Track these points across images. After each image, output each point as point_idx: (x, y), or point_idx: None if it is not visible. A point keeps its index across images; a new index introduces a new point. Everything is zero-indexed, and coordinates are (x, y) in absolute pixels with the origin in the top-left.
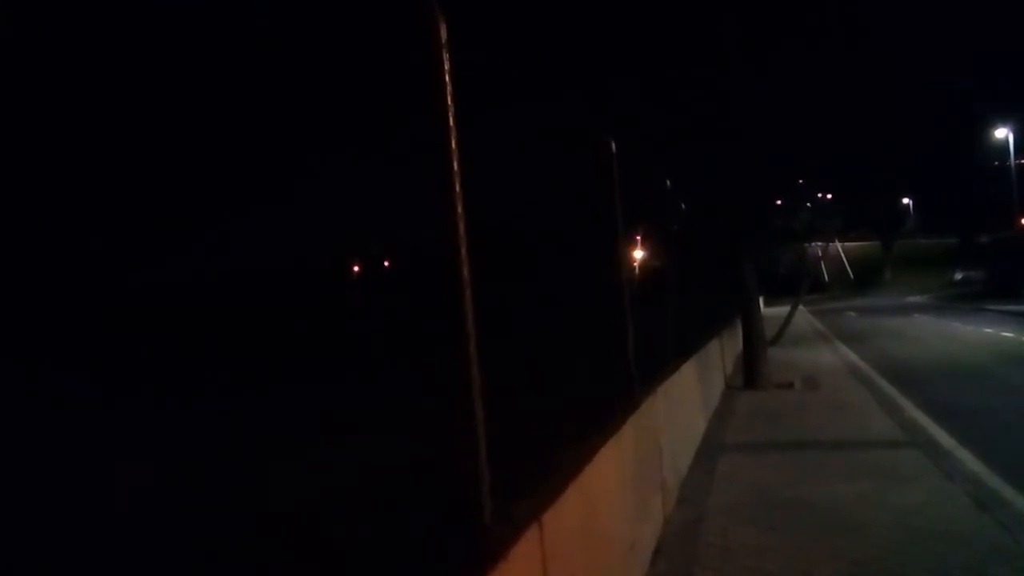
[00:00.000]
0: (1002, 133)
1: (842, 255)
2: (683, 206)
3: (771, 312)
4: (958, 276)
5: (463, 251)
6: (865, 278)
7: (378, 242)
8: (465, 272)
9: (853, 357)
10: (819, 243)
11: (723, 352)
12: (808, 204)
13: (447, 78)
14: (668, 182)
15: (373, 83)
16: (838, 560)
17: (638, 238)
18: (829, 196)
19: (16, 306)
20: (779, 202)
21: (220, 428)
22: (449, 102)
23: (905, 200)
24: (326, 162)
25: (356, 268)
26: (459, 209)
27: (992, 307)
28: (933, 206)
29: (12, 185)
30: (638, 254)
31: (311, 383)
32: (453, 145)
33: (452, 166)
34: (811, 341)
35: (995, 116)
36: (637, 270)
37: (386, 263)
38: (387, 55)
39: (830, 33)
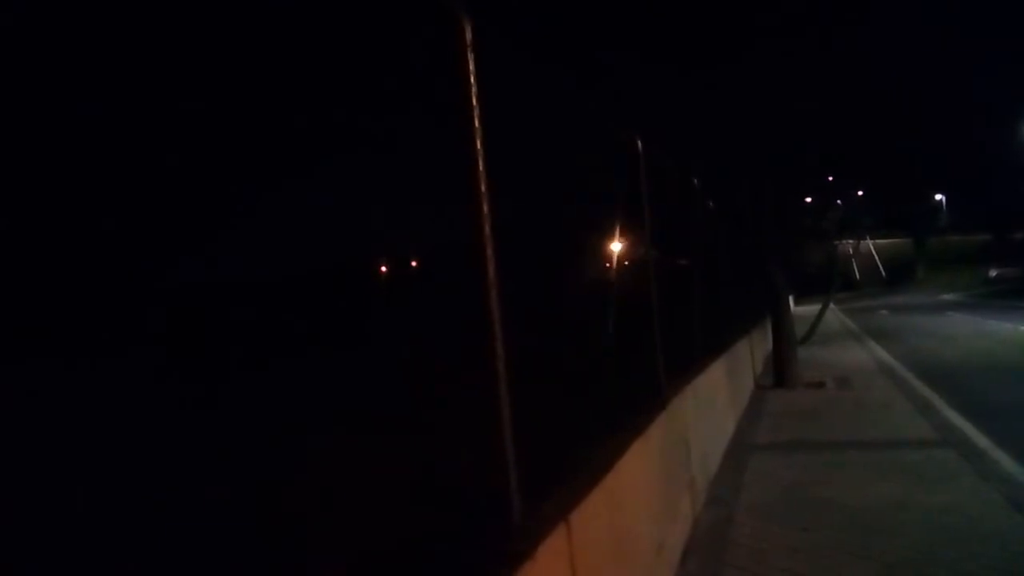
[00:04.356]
0: None
1: (874, 253)
2: (711, 204)
3: (801, 311)
4: (993, 273)
5: (489, 251)
6: (897, 276)
7: (406, 242)
8: (492, 272)
9: (886, 356)
10: (850, 241)
11: (753, 351)
12: (839, 202)
13: (472, 79)
14: (696, 181)
15: (400, 86)
16: (870, 561)
17: (616, 226)
18: (860, 193)
19: (63, 306)
20: (808, 200)
21: (256, 425)
22: (475, 102)
23: (938, 196)
24: (354, 164)
25: (384, 268)
26: (485, 209)
27: None
28: (966, 203)
29: (56, 194)
30: (616, 247)
31: (341, 382)
32: (479, 145)
33: (478, 166)
34: (842, 339)
35: None
36: (615, 266)
37: (414, 263)
38: (415, 59)
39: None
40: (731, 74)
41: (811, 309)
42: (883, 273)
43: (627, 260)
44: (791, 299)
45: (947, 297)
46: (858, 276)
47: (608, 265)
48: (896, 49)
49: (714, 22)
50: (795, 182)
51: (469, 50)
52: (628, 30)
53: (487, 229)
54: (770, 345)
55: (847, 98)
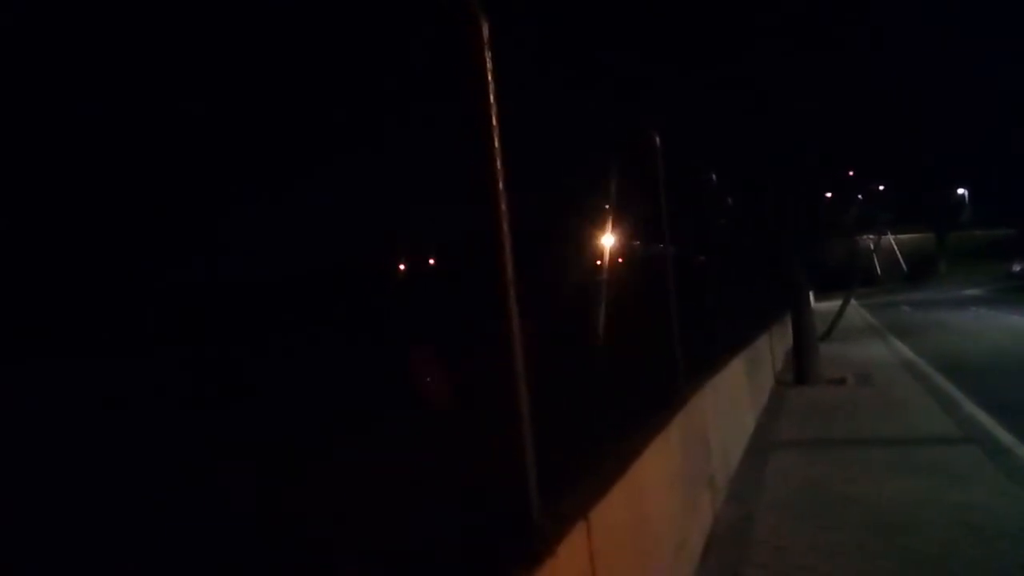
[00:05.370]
0: None
1: (895, 248)
2: (729, 201)
3: (822, 306)
4: (1016, 268)
5: (506, 249)
6: (919, 271)
7: (424, 240)
8: (509, 270)
9: (907, 352)
10: (871, 236)
11: (772, 347)
12: (860, 196)
13: (490, 77)
14: (714, 176)
15: (408, 83)
16: (893, 559)
17: (607, 206)
18: (881, 188)
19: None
20: (828, 195)
21: (271, 424)
22: (492, 100)
23: (960, 190)
24: (370, 162)
25: (402, 267)
26: (502, 207)
27: None
28: (989, 197)
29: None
30: (608, 240)
31: (357, 380)
32: (496, 143)
33: (495, 164)
34: (863, 335)
35: None
36: (606, 261)
37: (431, 261)
38: (433, 59)
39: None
40: (731, 74)
41: (831, 305)
42: (904, 268)
43: (643, 256)
44: (811, 295)
45: (970, 292)
46: (879, 271)
47: (601, 264)
48: (896, 49)
49: (714, 22)
50: (795, 182)
51: (487, 48)
52: (628, 30)
53: (504, 227)
54: (790, 341)
55: (847, 98)
